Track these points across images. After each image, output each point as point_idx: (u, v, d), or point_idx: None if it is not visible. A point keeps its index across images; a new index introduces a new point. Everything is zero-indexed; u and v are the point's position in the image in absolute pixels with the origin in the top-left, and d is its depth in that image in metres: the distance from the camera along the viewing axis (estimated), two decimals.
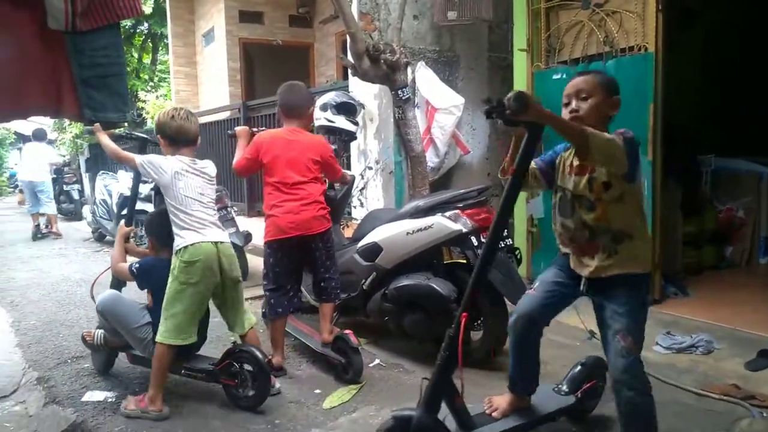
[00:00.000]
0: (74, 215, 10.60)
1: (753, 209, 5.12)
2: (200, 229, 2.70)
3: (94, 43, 2.25)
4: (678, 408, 2.63)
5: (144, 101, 14.80)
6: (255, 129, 3.43)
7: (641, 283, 2.10)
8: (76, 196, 10.85)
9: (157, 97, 15.24)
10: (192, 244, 2.65)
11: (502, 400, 2.32)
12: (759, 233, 5.17)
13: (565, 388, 2.46)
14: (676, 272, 4.50)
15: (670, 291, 4.26)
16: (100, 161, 11.92)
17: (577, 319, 3.63)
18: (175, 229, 2.70)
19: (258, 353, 2.71)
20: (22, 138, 17.53)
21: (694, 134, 5.09)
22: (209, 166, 2.89)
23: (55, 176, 9.98)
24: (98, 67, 2.29)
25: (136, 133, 3.87)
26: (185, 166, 2.73)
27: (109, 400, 2.87)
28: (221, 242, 2.76)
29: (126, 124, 2.92)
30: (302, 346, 3.52)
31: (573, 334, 3.61)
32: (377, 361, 3.29)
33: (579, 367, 2.52)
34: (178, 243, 2.67)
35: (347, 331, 3.06)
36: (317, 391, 2.93)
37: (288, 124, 3.23)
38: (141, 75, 18.27)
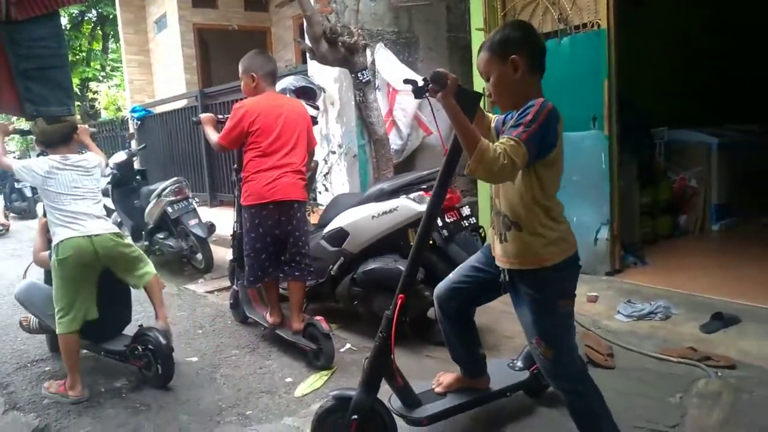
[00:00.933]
0: (27, 213, 10.20)
1: (704, 178, 5.30)
2: (72, 224, 2.76)
3: (31, 33, 2.14)
4: (639, 373, 2.73)
5: (96, 92, 14.31)
6: (220, 116, 3.38)
7: (547, 281, 1.84)
8: (28, 193, 10.43)
9: (109, 87, 14.75)
10: (62, 241, 2.72)
11: (450, 375, 2.31)
12: (710, 201, 5.37)
13: (519, 363, 2.43)
14: (635, 242, 4.64)
15: (629, 260, 4.40)
16: None
17: None
18: (50, 227, 2.82)
19: (158, 335, 2.86)
20: None
21: (647, 108, 5.22)
22: (87, 159, 2.96)
23: (4, 173, 9.59)
24: (37, 58, 2.18)
25: (21, 128, 3.92)
26: (55, 164, 2.82)
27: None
28: (96, 235, 2.79)
29: (72, 117, 2.77)
30: (272, 335, 3.51)
31: None
32: (348, 345, 3.30)
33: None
34: (53, 240, 2.77)
35: (318, 318, 3.05)
36: (288, 379, 2.92)
37: (267, 90, 3.19)
38: (92, 64, 17.61)
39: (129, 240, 3.16)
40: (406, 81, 1.94)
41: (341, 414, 2.01)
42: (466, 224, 3.13)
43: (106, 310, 2.93)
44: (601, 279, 4.15)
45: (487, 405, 2.35)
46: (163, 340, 2.86)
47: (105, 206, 3.12)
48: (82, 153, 3.08)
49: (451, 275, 2.19)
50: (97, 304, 2.88)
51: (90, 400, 2.79)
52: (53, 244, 2.77)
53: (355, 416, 1.96)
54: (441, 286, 2.19)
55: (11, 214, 9.31)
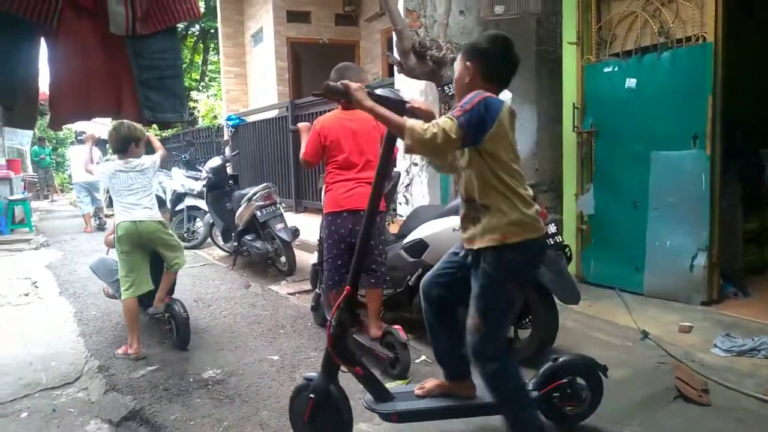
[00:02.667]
0: None
1: None
2: (125, 211, 3.55)
3: (152, 46, 2.35)
4: (739, 413, 2.52)
5: (196, 101, 15.28)
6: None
7: (503, 258, 1.98)
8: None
9: (208, 96, 15.70)
10: (118, 224, 3.55)
11: (434, 381, 2.35)
12: None
13: (530, 384, 2.29)
14: (736, 271, 4.31)
15: (729, 291, 4.09)
16: None
17: (629, 317, 3.58)
18: (115, 214, 3.69)
19: (180, 308, 3.61)
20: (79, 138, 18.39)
21: (754, 127, 4.87)
22: (142, 162, 3.68)
23: None
24: (156, 69, 2.40)
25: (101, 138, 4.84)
26: (119, 167, 3.62)
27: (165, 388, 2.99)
28: (140, 221, 3.54)
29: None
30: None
31: (624, 334, 3.52)
32: (423, 357, 3.30)
33: (549, 363, 2.35)
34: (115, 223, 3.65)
35: (396, 326, 3.08)
36: None
37: (346, 105, 3.28)
38: (192, 74, 18.85)
39: (171, 231, 3.87)
40: (315, 94, 2.20)
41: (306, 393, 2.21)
42: (552, 242, 3.04)
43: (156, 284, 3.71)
44: (695, 308, 3.89)
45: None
46: (182, 312, 3.58)
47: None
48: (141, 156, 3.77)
49: (435, 264, 2.31)
50: (153, 281, 3.66)
51: (179, 388, 2.98)
52: (114, 226, 3.66)
53: (312, 395, 2.17)
54: (426, 276, 2.32)
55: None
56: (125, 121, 3.46)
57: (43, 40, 2.29)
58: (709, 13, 3.80)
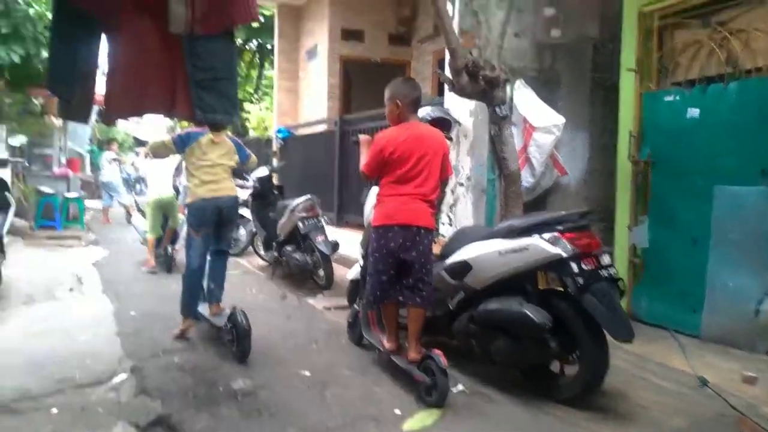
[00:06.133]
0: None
1: None
2: (153, 189, 6.60)
3: (209, 46, 2.35)
4: None
5: (248, 112, 15.65)
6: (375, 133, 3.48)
7: None
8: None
9: (260, 109, 16.05)
10: (151, 197, 6.55)
11: None
12: None
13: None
14: None
15: None
16: None
17: (685, 361, 3.33)
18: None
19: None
20: (139, 143, 19.07)
21: None
22: (166, 162, 6.16)
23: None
24: (211, 70, 2.39)
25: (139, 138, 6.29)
26: (153, 163, 6.48)
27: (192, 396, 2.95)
28: (163, 196, 6.56)
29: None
30: (384, 361, 3.47)
31: (679, 379, 3.28)
32: (460, 386, 3.15)
33: None
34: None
35: (436, 351, 2.95)
36: (397, 411, 2.84)
37: (408, 119, 3.24)
38: (247, 87, 19.37)
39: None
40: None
41: None
42: (605, 274, 2.87)
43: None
44: (760, 357, 3.60)
45: None
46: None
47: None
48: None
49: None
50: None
51: (208, 397, 2.93)
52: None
53: None
54: None
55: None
56: None
57: (103, 35, 2.33)
58: None
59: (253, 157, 4.48)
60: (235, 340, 3.49)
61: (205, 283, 4.01)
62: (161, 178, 6.57)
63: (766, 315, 3.63)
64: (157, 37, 2.31)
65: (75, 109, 2.44)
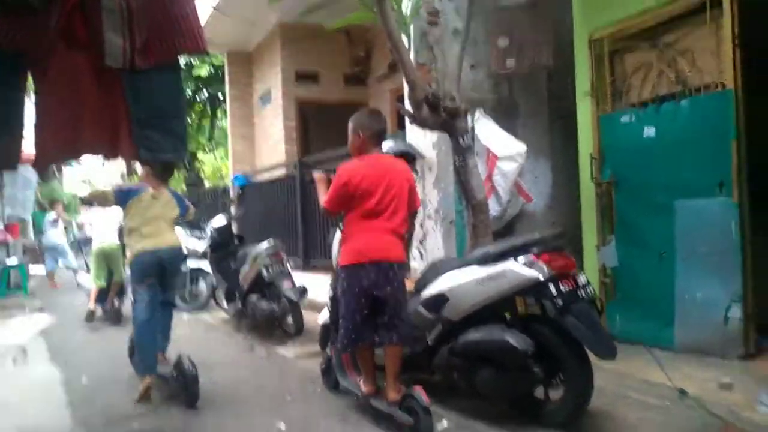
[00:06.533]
0: None
1: None
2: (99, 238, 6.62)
3: (151, 81, 2.18)
4: None
5: (203, 162, 15.39)
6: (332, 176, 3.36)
7: None
8: None
9: (215, 158, 15.83)
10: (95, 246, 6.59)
11: None
12: None
13: None
14: None
15: (767, 344, 3.82)
16: None
17: (663, 375, 3.29)
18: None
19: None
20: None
21: None
22: (110, 212, 5.91)
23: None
24: (156, 107, 2.22)
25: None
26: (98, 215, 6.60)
27: None
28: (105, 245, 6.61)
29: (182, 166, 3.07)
30: (364, 405, 3.28)
31: (660, 393, 3.24)
32: (445, 423, 3.00)
33: None
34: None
35: (417, 388, 2.81)
36: None
37: (371, 151, 3.16)
38: (199, 139, 19.11)
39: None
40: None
41: None
42: (583, 294, 2.81)
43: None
44: (732, 363, 3.62)
45: None
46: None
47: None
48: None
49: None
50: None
51: None
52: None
53: None
54: None
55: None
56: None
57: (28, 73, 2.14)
58: (727, 62, 3.73)
59: (192, 209, 4.45)
60: (184, 387, 3.49)
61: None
62: (105, 227, 6.62)
63: (735, 322, 3.67)
64: (92, 73, 2.12)
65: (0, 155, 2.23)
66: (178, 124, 2.33)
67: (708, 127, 3.83)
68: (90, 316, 6.45)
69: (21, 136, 2.20)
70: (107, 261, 6.64)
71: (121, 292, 6.78)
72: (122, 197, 3.94)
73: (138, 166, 5.06)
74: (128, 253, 3.97)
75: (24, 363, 4.88)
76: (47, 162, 2.30)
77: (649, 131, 4.17)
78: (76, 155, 2.40)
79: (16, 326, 6.69)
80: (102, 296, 6.63)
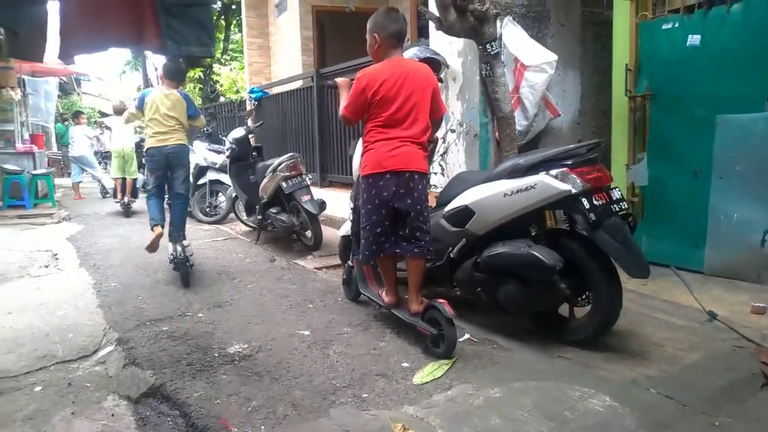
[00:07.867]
0: None
1: None
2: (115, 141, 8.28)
3: None
4: None
5: (219, 74, 15.04)
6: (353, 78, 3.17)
7: None
8: None
9: (231, 70, 15.44)
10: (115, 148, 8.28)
11: None
12: None
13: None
14: None
15: None
16: None
17: (691, 297, 3.24)
18: None
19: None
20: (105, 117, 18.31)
21: None
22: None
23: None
24: None
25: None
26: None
27: (189, 363, 2.76)
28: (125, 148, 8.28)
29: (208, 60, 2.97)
30: (384, 315, 3.31)
31: (688, 315, 3.20)
32: (467, 335, 3.01)
33: None
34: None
35: (441, 300, 2.78)
36: (405, 364, 2.69)
37: (390, 54, 2.97)
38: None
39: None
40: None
41: None
42: (617, 209, 2.70)
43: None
44: (766, 288, 3.53)
45: None
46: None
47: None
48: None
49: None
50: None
51: (203, 364, 2.75)
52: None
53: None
54: None
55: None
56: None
57: None
58: None
59: (202, 118, 5.05)
60: (177, 268, 4.31)
61: (166, 230, 4.61)
62: (124, 133, 8.41)
63: None
64: None
65: (25, 44, 2.12)
66: (204, 15, 2.17)
67: (760, 36, 3.54)
68: (125, 207, 8.26)
69: (45, 26, 2.08)
70: (124, 162, 8.44)
71: (133, 192, 8.50)
72: (140, 103, 4.69)
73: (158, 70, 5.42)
74: (145, 146, 4.69)
75: (56, 268, 4.99)
76: (73, 53, 2.17)
77: (694, 39, 3.87)
78: (102, 46, 2.25)
79: (47, 234, 6.82)
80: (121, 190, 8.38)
